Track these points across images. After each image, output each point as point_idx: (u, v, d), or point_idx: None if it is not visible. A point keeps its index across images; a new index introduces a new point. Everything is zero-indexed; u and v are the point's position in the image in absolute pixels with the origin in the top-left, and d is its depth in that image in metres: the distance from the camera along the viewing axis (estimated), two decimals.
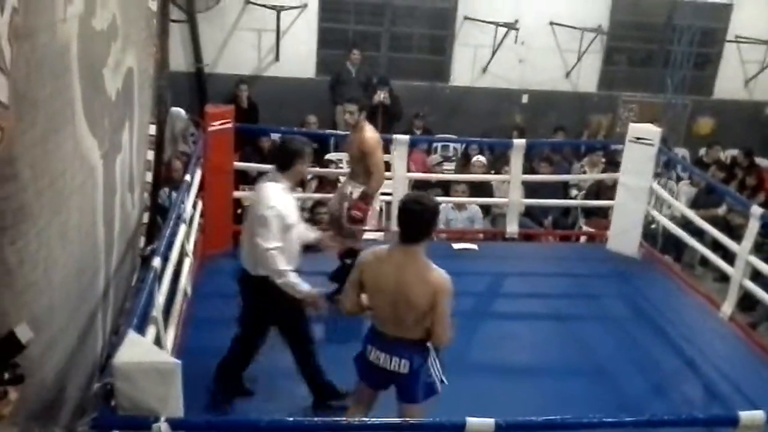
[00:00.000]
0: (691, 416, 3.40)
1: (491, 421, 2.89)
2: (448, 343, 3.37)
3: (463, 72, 10.41)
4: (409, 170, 6.78)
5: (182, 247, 4.87)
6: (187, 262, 5.04)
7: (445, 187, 7.70)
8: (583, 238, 7.83)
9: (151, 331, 3.51)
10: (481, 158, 8.09)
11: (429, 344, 3.36)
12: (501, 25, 9.90)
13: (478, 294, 5.93)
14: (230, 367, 4.08)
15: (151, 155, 6.00)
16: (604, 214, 7.57)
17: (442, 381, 3.46)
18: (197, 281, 5.37)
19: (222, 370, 4.08)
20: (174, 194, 6.14)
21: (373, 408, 3.62)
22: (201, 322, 4.89)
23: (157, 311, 3.68)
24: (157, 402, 2.55)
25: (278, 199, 3.85)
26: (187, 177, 5.31)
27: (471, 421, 2.88)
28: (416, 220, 3.26)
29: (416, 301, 3.23)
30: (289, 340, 4.07)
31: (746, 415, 3.08)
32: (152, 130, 6.01)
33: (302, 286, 3.82)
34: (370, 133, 5.21)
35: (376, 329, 3.42)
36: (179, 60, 9.23)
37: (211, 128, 5.87)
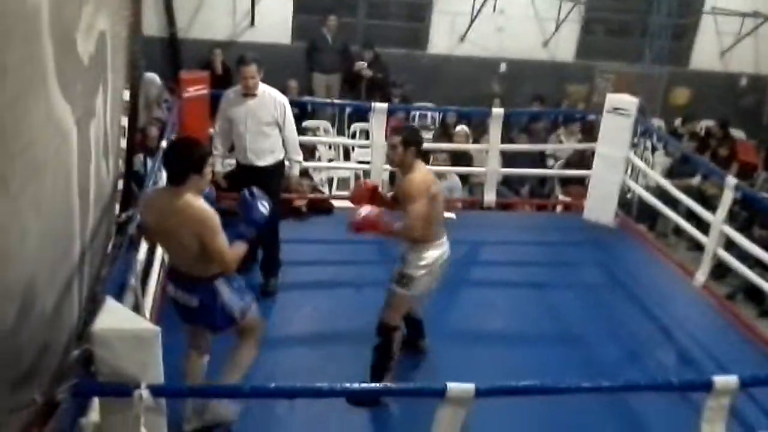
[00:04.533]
0: (667, 381, 3.46)
1: (471, 386, 2.91)
2: (234, 263, 3.38)
3: (441, 40, 10.34)
4: (387, 138, 6.73)
5: None
6: None
7: (424, 156, 7.66)
8: (559, 208, 7.87)
9: (129, 298, 3.47)
10: (465, 128, 8.06)
11: (218, 281, 3.42)
12: None
13: (456, 262, 5.84)
14: None
15: (125, 121, 5.88)
16: (580, 182, 7.61)
17: (244, 314, 3.53)
18: None
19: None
20: (149, 161, 6.04)
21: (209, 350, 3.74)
22: None
23: (134, 279, 3.64)
24: (137, 369, 2.53)
25: None
26: (163, 143, 5.23)
27: (451, 386, 2.90)
28: (176, 160, 3.33)
29: (185, 241, 3.28)
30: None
31: (720, 380, 3.14)
32: (126, 95, 5.88)
33: None
34: (420, 176, 3.96)
35: (173, 266, 3.52)
36: (152, 24, 9.05)
37: (186, 94, 5.78)
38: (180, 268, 3.46)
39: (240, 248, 3.40)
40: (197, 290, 3.43)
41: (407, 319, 4.39)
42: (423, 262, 3.99)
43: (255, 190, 3.54)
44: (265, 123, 5.02)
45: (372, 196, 4.23)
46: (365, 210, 3.96)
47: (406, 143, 3.96)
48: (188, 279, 3.44)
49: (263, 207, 3.48)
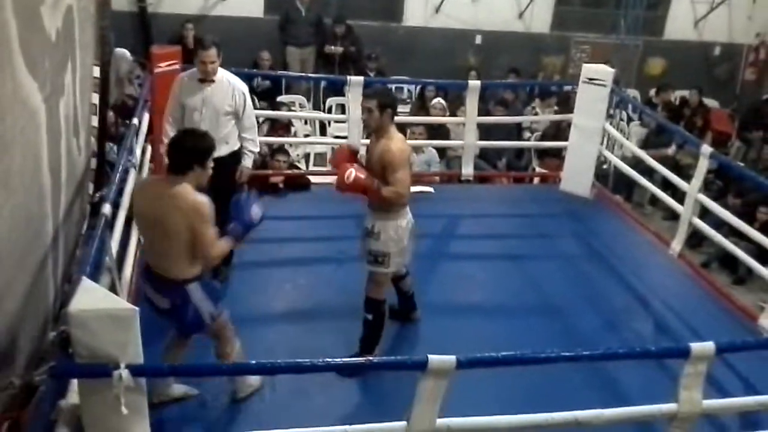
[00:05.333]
0: (645, 349, 3.50)
1: (452, 358, 2.92)
2: (217, 259, 3.39)
3: (416, 11, 10.25)
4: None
5: None
6: None
7: (401, 130, 7.64)
8: (536, 180, 7.90)
9: (105, 279, 3.42)
10: (441, 101, 8.03)
11: (190, 285, 3.35)
12: None
13: (435, 236, 5.95)
14: None
15: (95, 98, 5.78)
16: (557, 155, 7.64)
17: (213, 318, 3.45)
18: None
19: None
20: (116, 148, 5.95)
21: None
22: None
23: (110, 259, 3.59)
24: (116, 349, 2.49)
25: None
26: (135, 121, 5.15)
27: (433, 358, 2.90)
28: (183, 150, 3.29)
29: (173, 231, 3.21)
30: None
31: (697, 347, 3.18)
32: (96, 72, 5.77)
33: None
34: (399, 144, 4.00)
35: (148, 263, 3.45)
36: None
37: (157, 70, 5.68)
38: (156, 267, 3.37)
39: (225, 244, 3.35)
40: (169, 293, 3.37)
41: (399, 293, 4.48)
42: (395, 236, 3.98)
43: (251, 192, 3.45)
44: (222, 113, 4.75)
45: (352, 160, 4.14)
46: (354, 170, 3.86)
47: (382, 106, 3.88)
48: (161, 280, 3.37)
49: (256, 211, 3.40)
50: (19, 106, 3.19)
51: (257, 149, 5.10)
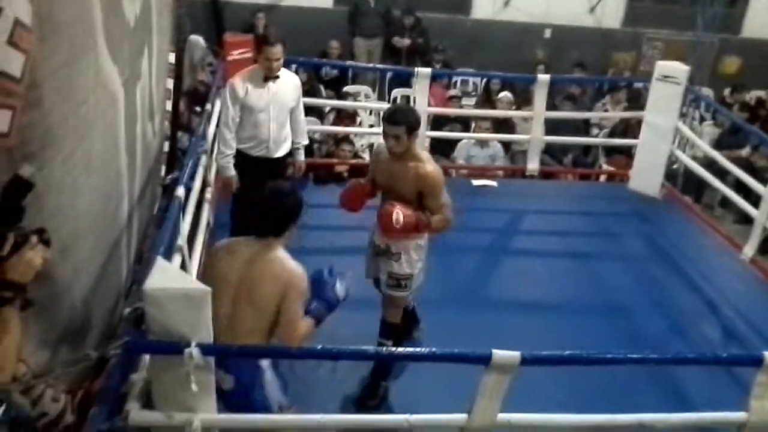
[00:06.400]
0: (715, 355, 3.40)
1: (516, 353, 2.90)
2: (298, 342, 2.90)
3: (485, 4, 10.16)
4: (429, 105, 6.66)
5: (204, 176, 4.85)
6: (209, 192, 5.03)
7: (465, 123, 7.60)
8: (603, 177, 7.75)
9: (176, 259, 3.51)
10: (508, 94, 7.94)
11: (265, 362, 2.96)
12: None
13: (497, 230, 5.92)
14: None
15: (170, 84, 5.92)
16: (625, 152, 7.48)
17: (281, 408, 2.97)
18: (219, 211, 5.37)
19: None
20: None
21: None
22: None
23: (182, 240, 3.68)
24: (188, 328, 2.56)
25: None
26: (208, 106, 5.26)
27: (496, 353, 2.88)
28: (278, 210, 2.98)
29: (261, 299, 2.87)
30: None
31: None
32: (171, 58, 5.91)
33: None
34: (434, 164, 3.69)
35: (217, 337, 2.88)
36: None
37: (230, 57, 5.78)
38: (225, 338, 2.89)
39: (308, 326, 2.92)
40: (237, 368, 2.91)
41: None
42: (417, 256, 3.77)
43: (333, 269, 3.08)
44: (288, 108, 4.65)
45: (364, 196, 3.99)
46: (400, 211, 3.57)
47: (411, 130, 3.53)
48: None
49: (340, 288, 3.02)
50: (101, 89, 3.30)
51: (307, 140, 5.02)
